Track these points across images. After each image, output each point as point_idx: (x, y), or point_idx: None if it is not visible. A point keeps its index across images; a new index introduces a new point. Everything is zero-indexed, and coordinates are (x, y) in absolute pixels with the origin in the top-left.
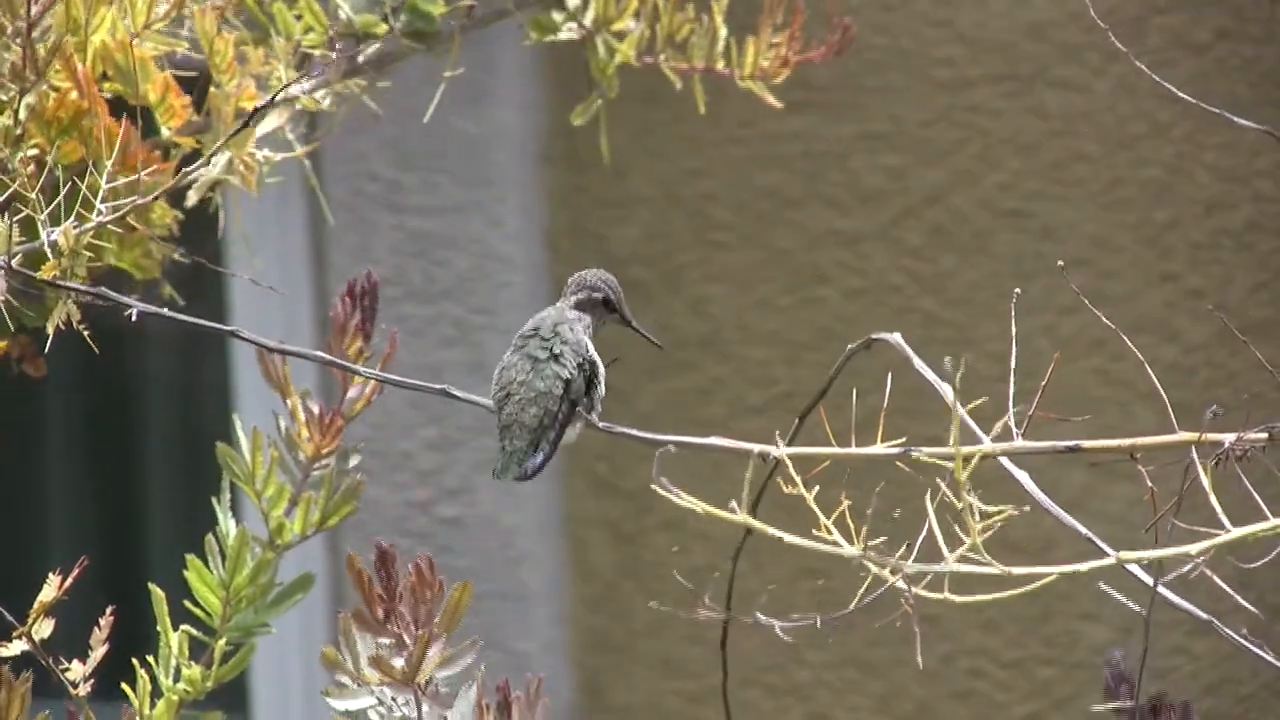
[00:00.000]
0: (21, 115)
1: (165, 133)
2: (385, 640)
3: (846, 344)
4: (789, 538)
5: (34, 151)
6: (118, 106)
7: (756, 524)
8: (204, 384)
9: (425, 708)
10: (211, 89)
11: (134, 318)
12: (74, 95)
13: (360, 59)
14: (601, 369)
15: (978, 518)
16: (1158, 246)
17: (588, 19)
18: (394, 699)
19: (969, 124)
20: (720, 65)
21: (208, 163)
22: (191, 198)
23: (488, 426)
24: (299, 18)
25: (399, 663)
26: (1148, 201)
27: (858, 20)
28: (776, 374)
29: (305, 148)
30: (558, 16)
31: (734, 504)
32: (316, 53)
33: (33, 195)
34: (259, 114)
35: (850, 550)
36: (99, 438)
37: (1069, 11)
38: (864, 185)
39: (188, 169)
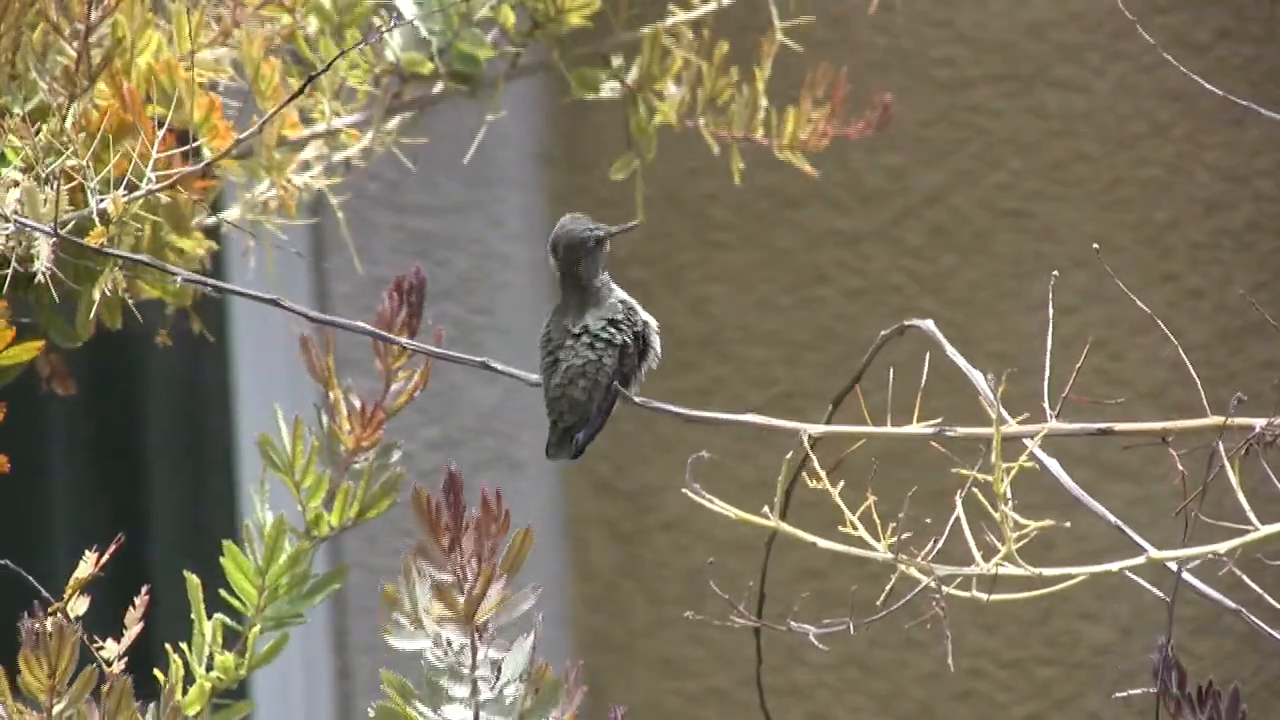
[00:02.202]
0: (67, 124)
1: (207, 154)
2: (447, 577)
3: (847, 344)
4: (822, 543)
5: (73, 163)
6: (161, 127)
7: (789, 529)
8: (205, 384)
9: (481, 651)
10: (254, 118)
11: (179, 282)
12: (118, 111)
13: (403, 98)
14: (656, 340)
15: (1013, 526)
16: (1158, 246)
17: (630, 78)
18: (449, 641)
19: (969, 124)
20: (759, 134)
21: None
22: (232, 215)
23: (488, 426)
24: (344, 54)
25: (459, 599)
26: (1148, 201)
27: (857, 20)
28: (776, 374)
29: (336, 180)
30: (601, 73)
31: (766, 510)
32: (360, 89)
33: (84, 162)
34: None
35: (881, 552)
36: (99, 437)
37: (1069, 11)
38: (864, 185)
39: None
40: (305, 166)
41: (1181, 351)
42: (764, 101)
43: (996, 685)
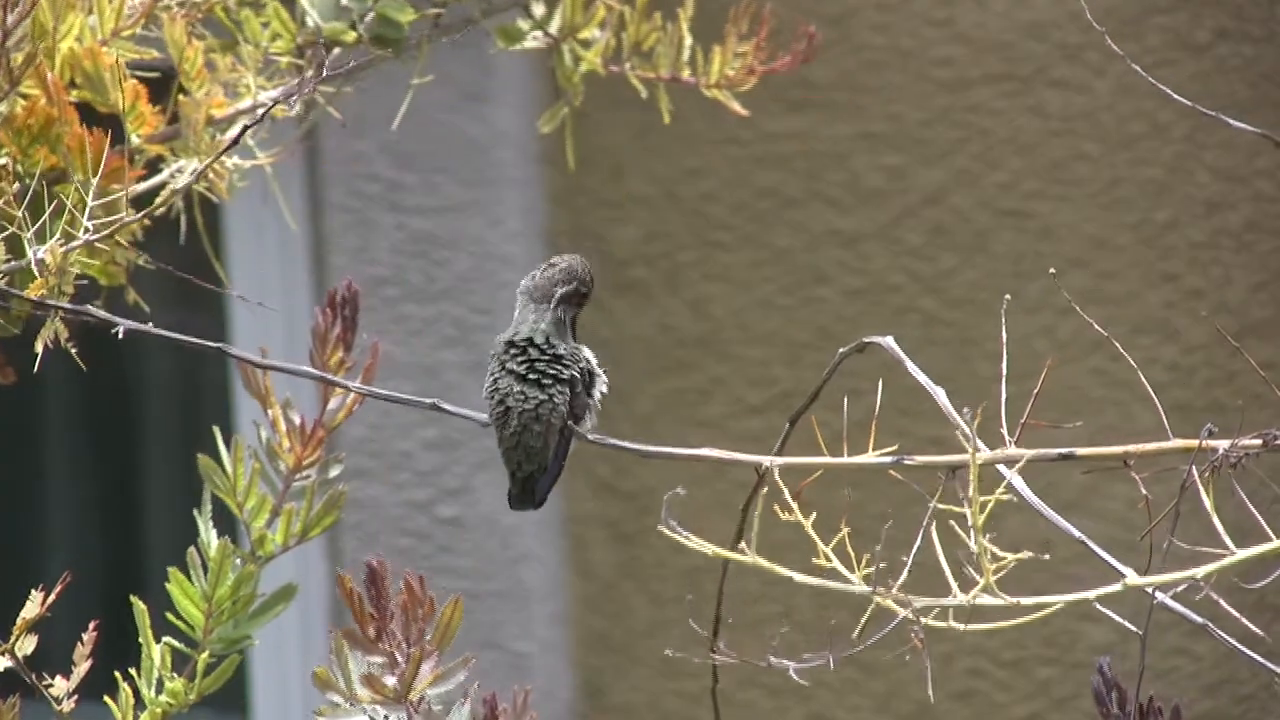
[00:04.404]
0: None
1: (135, 140)
2: (377, 658)
3: (846, 344)
4: (798, 576)
5: (4, 161)
6: (88, 113)
7: (765, 564)
8: (200, 388)
9: None
10: (181, 97)
11: (120, 335)
12: (44, 103)
13: (328, 67)
14: (601, 375)
15: (990, 558)
16: (1158, 246)
17: (554, 27)
18: (386, 717)
19: (969, 124)
20: (686, 74)
21: (189, 175)
22: (161, 198)
23: (487, 427)
24: (266, 25)
25: (391, 681)
26: (1148, 201)
27: (857, 20)
28: (776, 374)
29: (268, 155)
30: (524, 25)
31: (743, 545)
32: (284, 60)
33: (19, 213)
34: (243, 131)
35: (857, 585)
36: (92, 442)
37: (1069, 11)
38: (864, 185)
39: (156, 179)
40: (234, 142)
41: (1178, 353)
42: (689, 40)
43: (996, 685)
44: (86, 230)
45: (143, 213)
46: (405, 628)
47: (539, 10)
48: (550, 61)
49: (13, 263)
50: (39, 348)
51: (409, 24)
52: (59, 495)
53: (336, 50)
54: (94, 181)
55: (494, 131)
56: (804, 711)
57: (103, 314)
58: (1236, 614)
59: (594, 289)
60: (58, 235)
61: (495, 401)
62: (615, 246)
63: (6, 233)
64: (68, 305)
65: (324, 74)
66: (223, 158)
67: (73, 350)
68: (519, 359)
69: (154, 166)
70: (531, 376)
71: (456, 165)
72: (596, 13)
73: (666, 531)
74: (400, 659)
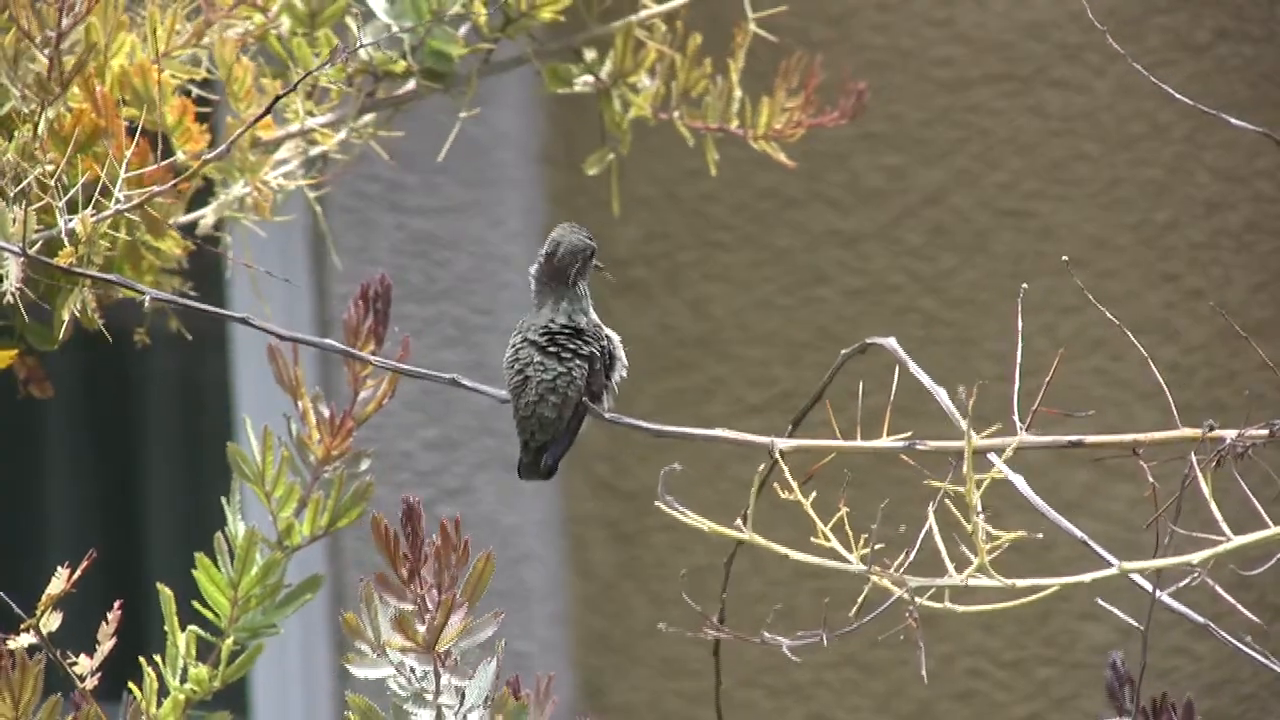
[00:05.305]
0: (40, 130)
1: (181, 156)
2: (408, 606)
3: (846, 344)
4: (794, 554)
5: (50, 168)
6: (134, 131)
7: (761, 541)
8: (205, 383)
9: (444, 678)
10: (229, 118)
11: (146, 304)
12: (91, 115)
13: (377, 96)
14: (621, 352)
15: (985, 538)
16: (1158, 246)
17: (604, 72)
18: (412, 669)
19: (969, 124)
20: (734, 125)
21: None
22: (209, 218)
23: (487, 426)
24: (317, 54)
25: (420, 628)
26: (1148, 201)
27: (857, 20)
28: (776, 374)
29: (313, 181)
30: (574, 68)
31: (739, 521)
32: (334, 88)
33: (52, 183)
34: (278, 100)
35: (853, 564)
36: (100, 436)
37: (1069, 11)
38: (864, 185)
39: (198, 212)
40: (281, 164)
41: (1178, 353)
42: (738, 92)
43: (996, 685)
44: (119, 201)
45: (174, 181)
46: (438, 574)
47: (590, 54)
48: (598, 105)
49: (44, 232)
50: (65, 315)
51: (459, 58)
52: (58, 495)
53: (398, 85)
54: (131, 186)
55: (494, 132)
56: (804, 712)
57: (129, 282)
58: (1240, 608)
59: (596, 244)
60: (90, 206)
61: (515, 371)
62: (615, 246)
63: (40, 203)
64: (96, 274)
65: (372, 100)
66: (267, 178)
67: (99, 320)
68: (541, 332)
69: (200, 197)
70: (552, 349)
71: (457, 165)
72: (647, 57)
73: (663, 507)
74: (430, 605)
